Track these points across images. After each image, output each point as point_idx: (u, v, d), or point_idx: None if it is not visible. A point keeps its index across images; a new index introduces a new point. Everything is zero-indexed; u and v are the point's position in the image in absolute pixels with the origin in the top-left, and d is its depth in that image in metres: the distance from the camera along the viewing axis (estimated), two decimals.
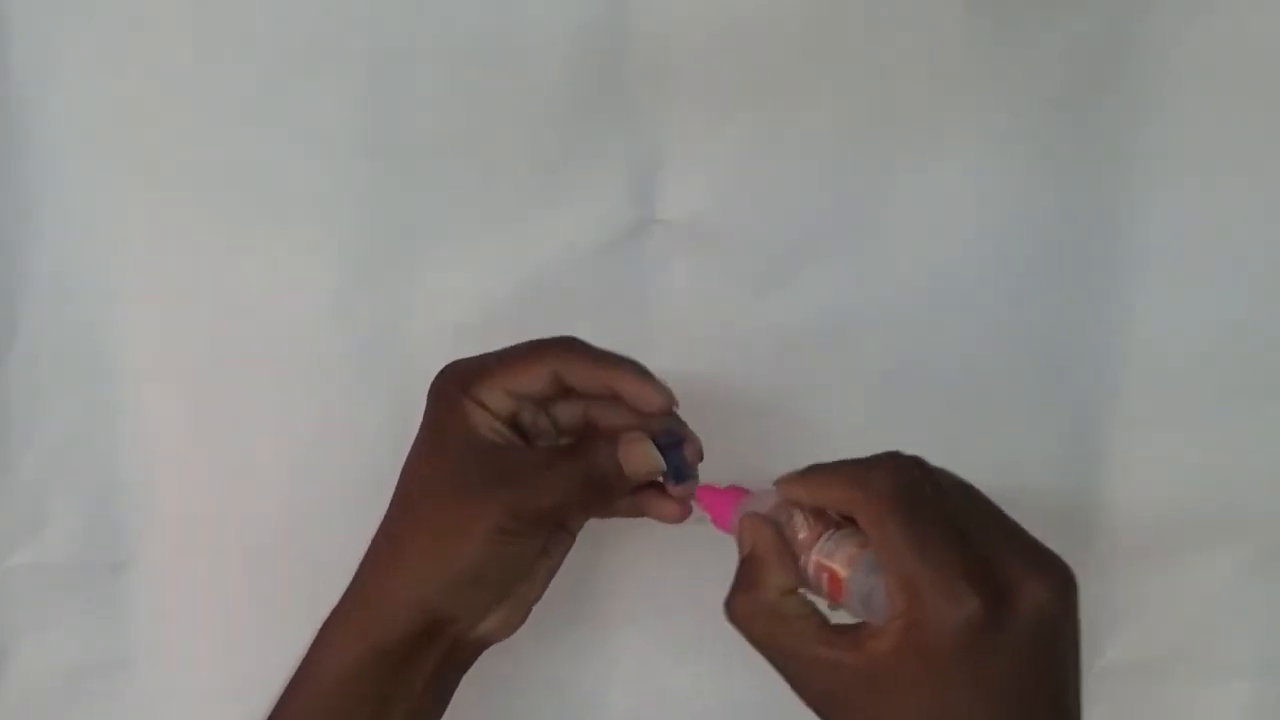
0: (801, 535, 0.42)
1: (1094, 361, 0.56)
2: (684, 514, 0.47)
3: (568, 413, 0.48)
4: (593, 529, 0.50)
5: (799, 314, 0.55)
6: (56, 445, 0.56)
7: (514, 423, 0.47)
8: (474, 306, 0.55)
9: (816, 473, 0.42)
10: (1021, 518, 0.57)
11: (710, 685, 0.60)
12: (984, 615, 0.36)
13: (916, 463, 0.41)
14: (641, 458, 0.46)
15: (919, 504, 0.39)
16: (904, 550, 0.37)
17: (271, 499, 0.57)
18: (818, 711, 0.40)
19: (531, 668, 0.59)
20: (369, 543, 0.48)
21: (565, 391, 0.47)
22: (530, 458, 0.46)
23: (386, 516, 0.47)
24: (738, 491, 0.46)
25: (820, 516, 0.42)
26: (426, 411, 0.47)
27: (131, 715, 0.59)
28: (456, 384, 0.46)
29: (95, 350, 0.55)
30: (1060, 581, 0.38)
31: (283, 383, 0.56)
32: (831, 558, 0.41)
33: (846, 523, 0.42)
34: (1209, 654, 0.60)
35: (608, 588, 0.58)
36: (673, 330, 0.55)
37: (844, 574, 0.40)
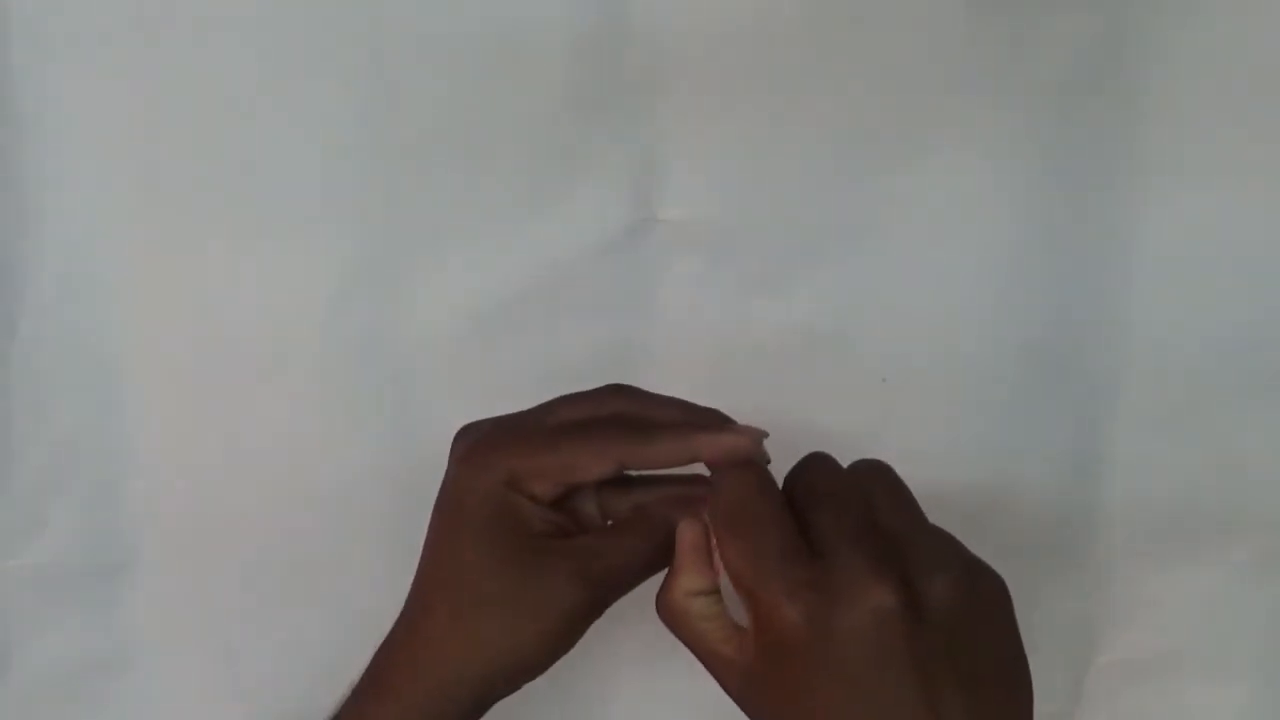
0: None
1: (1094, 361, 0.56)
2: None
3: (613, 493, 0.45)
4: None
5: (799, 314, 0.55)
6: (56, 445, 0.56)
7: (563, 505, 0.43)
8: (474, 306, 0.55)
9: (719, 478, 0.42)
10: (1022, 518, 0.58)
11: (710, 685, 0.60)
12: (807, 623, 0.37)
13: (803, 467, 0.42)
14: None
15: (749, 519, 0.39)
16: (734, 566, 0.39)
17: (271, 499, 0.57)
18: (735, 703, 0.42)
19: None
20: (399, 617, 0.45)
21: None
22: (596, 545, 0.43)
23: (422, 593, 0.44)
24: None
25: None
26: (460, 492, 0.43)
27: (131, 715, 0.59)
28: (498, 474, 0.42)
29: (95, 350, 0.55)
30: (893, 585, 0.37)
31: (282, 383, 0.56)
32: None
33: None
34: (1209, 654, 0.60)
35: None
36: (673, 330, 0.55)
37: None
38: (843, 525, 0.39)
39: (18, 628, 0.58)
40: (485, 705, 0.43)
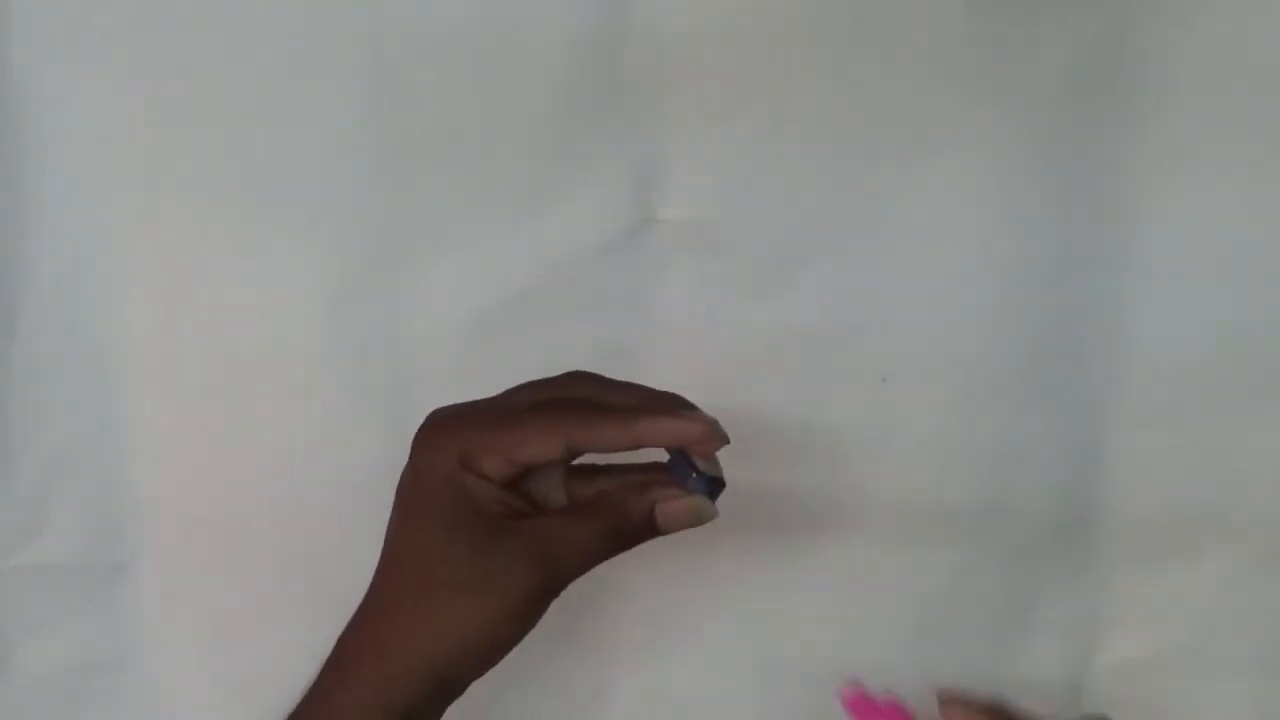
0: None
1: (1094, 361, 0.56)
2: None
3: (580, 479, 0.45)
4: None
5: (799, 314, 0.55)
6: (56, 445, 0.56)
7: (518, 487, 0.44)
8: (474, 306, 0.55)
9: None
10: (1022, 518, 0.58)
11: (711, 685, 0.60)
12: None
13: None
14: (687, 514, 0.43)
15: None
16: None
17: (271, 499, 0.57)
18: None
19: (532, 667, 0.59)
20: (363, 600, 0.45)
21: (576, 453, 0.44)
22: (551, 526, 0.43)
23: (384, 577, 0.44)
24: (896, 713, 0.43)
25: None
26: (416, 474, 0.44)
27: (131, 715, 0.59)
28: (450, 453, 0.43)
29: (95, 350, 0.55)
30: None
31: (282, 383, 0.56)
32: None
33: None
34: (1209, 654, 0.60)
35: (606, 586, 0.58)
36: (672, 330, 0.55)
37: None
38: None
39: (18, 628, 0.58)
40: (451, 689, 0.44)
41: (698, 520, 0.44)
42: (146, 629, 0.58)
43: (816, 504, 0.57)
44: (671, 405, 0.44)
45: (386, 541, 0.44)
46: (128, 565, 0.58)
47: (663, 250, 0.55)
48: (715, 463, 0.44)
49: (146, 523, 0.57)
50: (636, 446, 0.43)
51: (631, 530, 0.43)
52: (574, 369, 0.45)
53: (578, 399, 0.44)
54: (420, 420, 0.55)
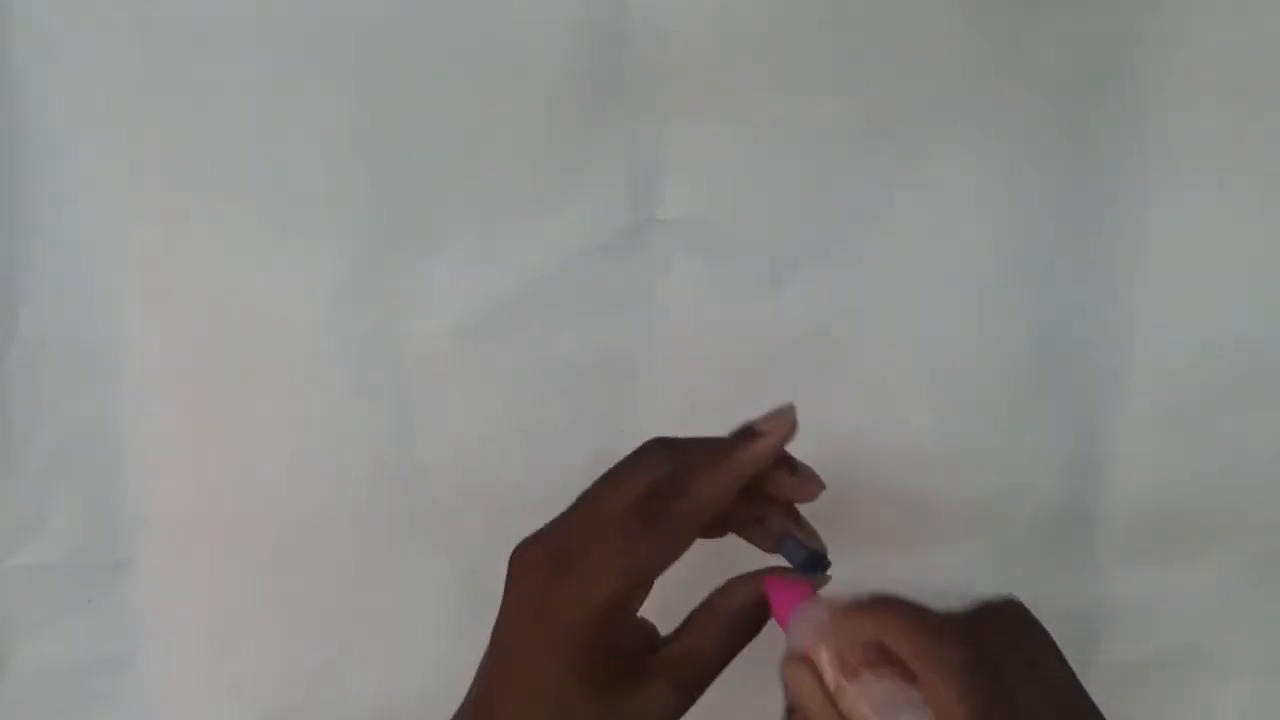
0: (836, 672, 0.40)
1: (1094, 361, 0.56)
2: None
3: None
4: None
5: (799, 314, 0.55)
6: (56, 445, 0.56)
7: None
8: (474, 307, 0.55)
9: (878, 608, 0.40)
10: (1022, 518, 0.58)
11: (713, 684, 0.60)
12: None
13: (985, 613, 0.40)
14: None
15: (984, 686, 0.37)
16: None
17: (271, 499, 0.57)
18: None
19: None
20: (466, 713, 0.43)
21: None
22: (685, 652, 0.43)
23: (496, 712, 0.42)
24: (803, 588, 0.44)
25: (880, 660, 0.40)
26: (551, 617, 0.41)
27: (131, 715, 0.59)
28: (603, 592, 0.40)
29: (95, 350, 0.55)
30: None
31: (282, 383, 0.56)
32: (865, 703, 0.39)
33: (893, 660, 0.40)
34: (1209, 654, 0.60)
35: None
36: (672, 330, 0.55)
37: None
38: (1050, 698, 0.39)
39: (18, 628, 0.58)
40: None
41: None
42: (146, 629, 0.58)
43: (815, 504, 0.57)
44: (740, 435, 0.43)
45: (500, 683, 0.42)
46: (128, 565, 0.58)
47: (663, 250, 0.55)
48: (818, 538, 0.45)
49: (146, 523, 0.57)
50: (747, 481, 0.42)
51: (756, 624, 0.43)
52: (647, 441, 0.44)
53: (666, 481, 0.42)
54: (420, 421, 0.55)
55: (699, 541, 0.43)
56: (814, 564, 0.44)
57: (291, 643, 0.59)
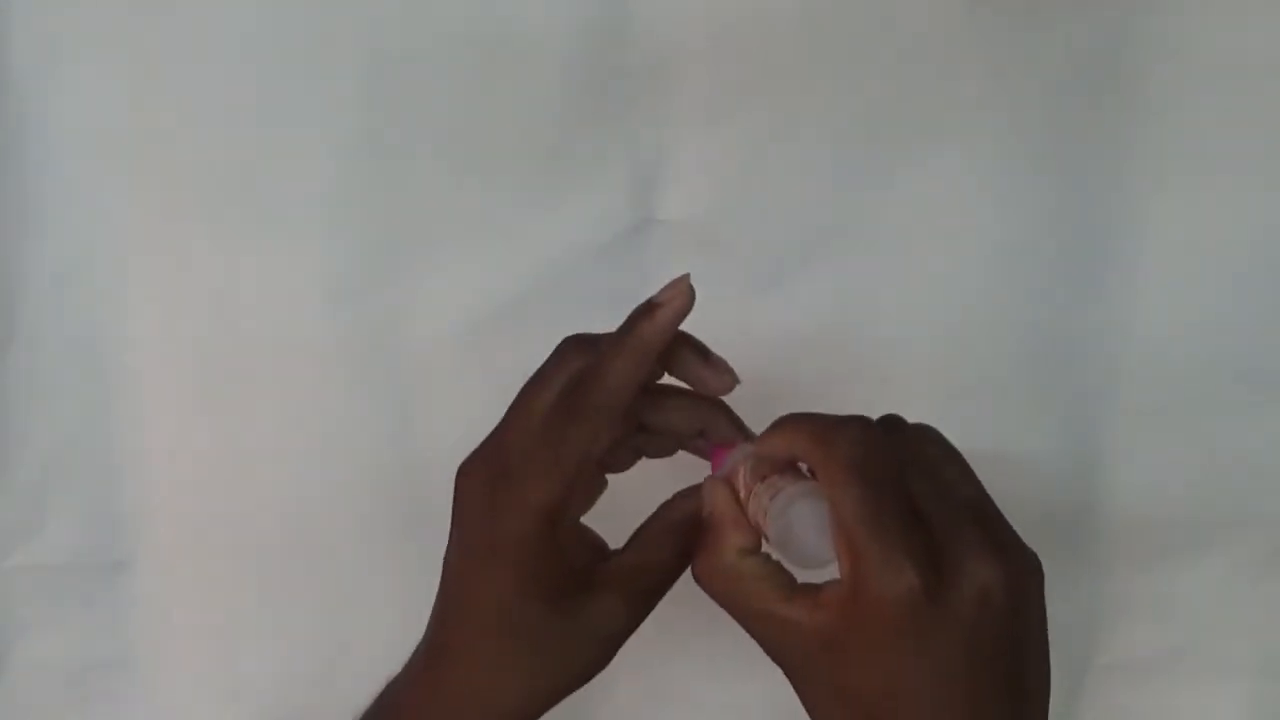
0: (747, 483, 0.42)
1: (1094, 361, 0.56)
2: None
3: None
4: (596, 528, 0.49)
5: (799, 314, 0.55)
6: (56, 445, 0.56)
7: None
8: (474, 306, 0.55)
9: (786, 425, 0.41)
10: (1022, 518, 0.58)
11: (712, 682, 0.60)
12: (921, 592, 0.36)
13: (889, 426, 0.40)
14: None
15: (875, 474, 0.38)
16: (853, 518, 0.37)
17: (271, 499, 0.57)
18: (784, 671, 0.40)
19: None
20: (421, 652, 0.43)
21: None
22: (633, 563, 0.42)
23: (454, 632, 0.42)
24: (738, 441, 0.45)
25: (788, 469, 0.42)
26: (492, 537, 0.41)
27: (131, 715, 0.59)
28: (535, 512, 0.40)
29: (95, 350, 0.55)
30: (1015, 568, 0.37)
31: (282, 382, 0.56)
32: (766, 497, 0.41)
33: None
34: (1209, 654, 0.60)
35: None
36: None
37: (765, 523, 0.40)
38: (947, 498, 0.38)
39: (18, 628, 0.58)
40: None
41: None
42: (146, 629, 0.58)
43: None
44: (642, 309, 0.43)
45: (450, 597, 0.42)
46: (128, 565, 0.58)
47: (663, 250, 0.55)
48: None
49: (146, 523, 0.57)
50: (653, 359, 0.42)
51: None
52: (562, 340, 0.44)
53: (583, 370, 0.42)
54: (420, 421, 0.55)
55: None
56: None
57: (291, 643, 0.59)
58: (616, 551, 0.43)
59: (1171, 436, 0.56)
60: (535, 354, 0.55)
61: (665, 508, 0.43)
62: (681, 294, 0.42)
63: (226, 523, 0.57)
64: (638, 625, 0.42)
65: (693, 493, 0.43)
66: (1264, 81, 0.52)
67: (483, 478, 0.41)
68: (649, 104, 0.53)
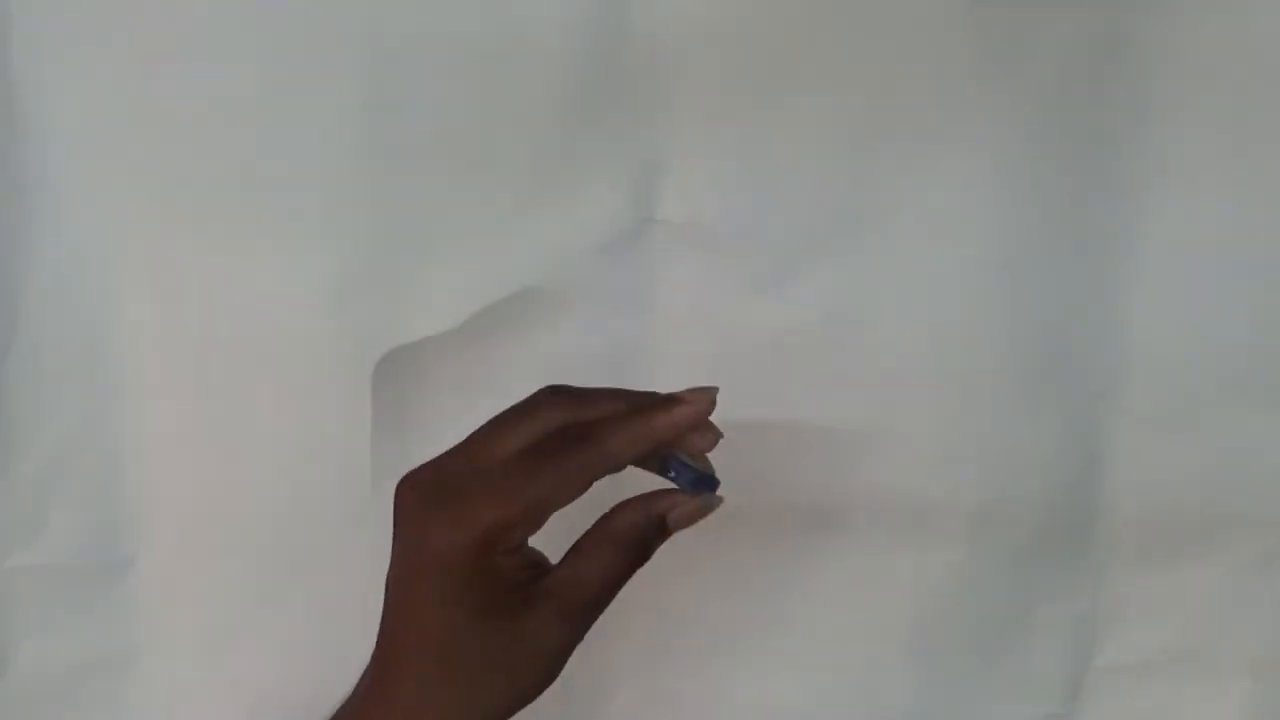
0: None
1: (1094, 361, 0.56)
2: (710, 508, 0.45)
3: None
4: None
5: (799, 314, 0.55)
6: (56, 445, 0.56)
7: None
8: (474, 306, 0.55)
9: None
10: (1022, 518, 0.58)
11: (711, 684, 0.60)
12: None
13: None
14: (699, 513, 0.44)
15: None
16: None
17: (271, 499, 0.57)
18: None
19: None
20: (363, 685, 0.44)
21: None
22: (572, 574, 0.43)
23: (394, 660, 0.43)
24: None
25: None
26: (431, 555, 0.41)
27: (132, 715, 0.59)
28: (473, 533, 0.40)
29: (95, 350, 0.55)
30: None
31: (283, 382, 0.56)
32: None
33: None
34: (1209, 654, 0.60)
35: None
36: (673, 331, 0.55)
37: None
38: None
39: (18, 628, 0.58)
40: None
41: (706, 514, 0.44)
42: (147, 629, 0.58)
43: (816, 504, 0.57)
44: (662, 401, 0.43)
45: (388, 623, 0.43)
46: (128, 564, 0.58)
47: (663, 250, 0.55)
48: (706, 461, 0.45)
49: (146, 523, 0.57)
50: (653, 450, 0.42)
51: (645, 547, 0.43)
52: (539, 390, 0.44)
53: (572, 428, 0.42)
54: (420, 421, 0.55)
55: None
56: (701, 484, 0.44)
57: (291, 643, 0.59)
58: (554, 566, 0.43)
59: (1171, 436, 0.56)
60: (535, 354, 0.56)
61: (604, 520, 0.43)
62: (707, 401, 0.43)
63: (227, 523, 0.57)
64: (578, 639, 0.42)
65: (632, 504, 0.43)
66: (1264, 82, 0.52)
67: (425, 491, 0.42)
68: (649, 104, 0.53)
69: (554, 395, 0.43)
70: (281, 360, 0.55)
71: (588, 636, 0.57)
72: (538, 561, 0.43)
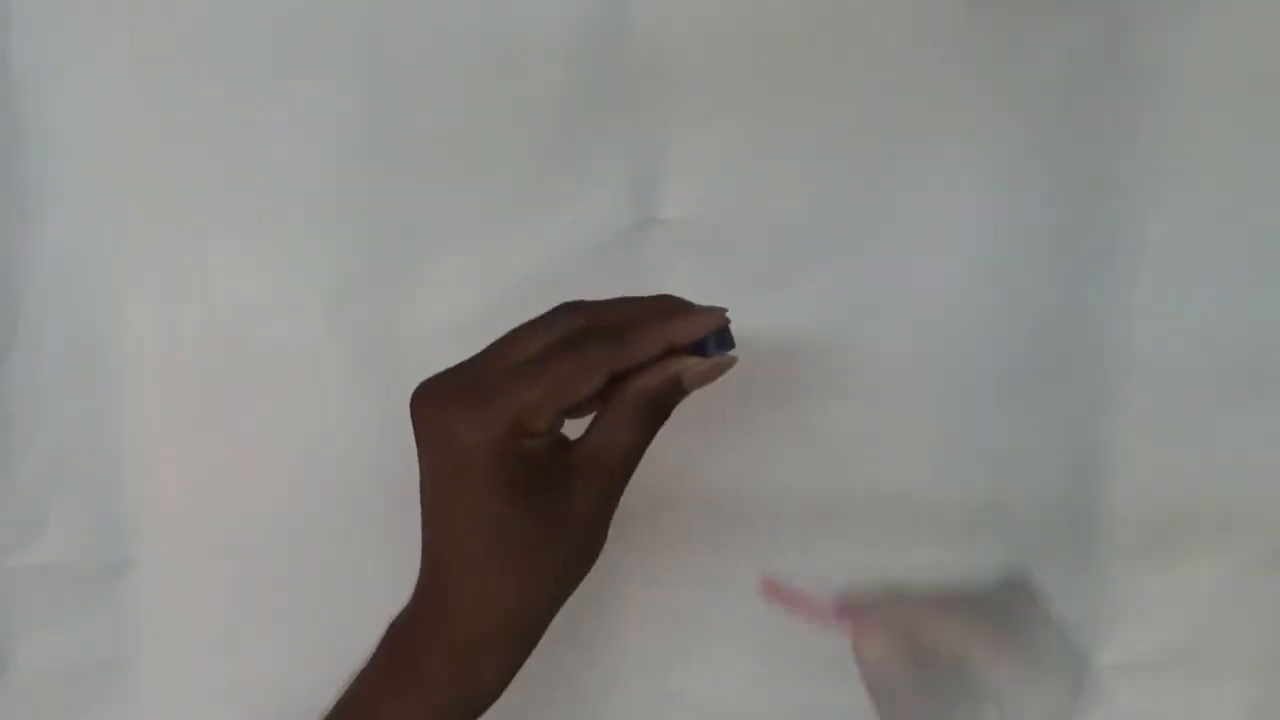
0: None
1: (1094, 362, 0.56)
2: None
3: None
4: None
5: (799, 314, 0.55)
6: (56, 445, 0.56)
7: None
8: (474, 307, 0.55)
9: None
10: (1022, 518, 0.58)
11: (715, 684, 0.60)
12: None
13: None
14: (712, 373, 0.44)
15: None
16: None
17: (271, 499, 0.57)
18: None
19: (535, 666, 0.59)
20: (420, 589, 0.45)
21: None
22: (597, 442, 0.43)
23: (444, 557, 0.43)
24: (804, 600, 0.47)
25: None
26: (460, 452, 0.41)
27: (132, 715, 0.59)
28: (498, 425, 0.41)
29: (95, 350, 0.55)
30: None
31: (282, 383, 0.56)
32: None
33: None
34: (1209, 654, 0.60)
35: (612, 586, 0.58)
36: None
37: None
38: None
39: (18, 628, 0.58)
40: (530, 642, 0.44)
41: (720, 374, 0.44)
42: (146, 629, 0.58)
43: (817, 504, 0.57)
44: (674, 306, 0.44)
45: (433, 527, 0.43)
46: (128, 565, 0.58)
47: (663, 250, 0.55)
48: (711, 310, 0.45)
49: (146, 523, 0.57)
50: (667, 351, 0.43)
51: (664, 407, 0.44)
52: (557, 305, 0.44)
53: (590, 328, 0.43)
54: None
55: None
56: (717, 344, 0.44)
57: (292, 643, 0.59)
58: (580, 438, 0.44)
59: (1171, 437, 0.56)
60: None
61: (621, 387, 0.43)
62: (720, 313, 0.44)
63: (227, 523, 0.57)
64: (614, 504, 0.43)
65: (649, 370, 0.43)
66: (1264, 81, 0.52)
67: (445, 393, 0.42)
68: (649, 104, 0.53)
69: (572, 306, 0.44)
70: (281, 360, 0.55)
71: (588, 636, 0.58)
72: (564, 441, 0.44)
